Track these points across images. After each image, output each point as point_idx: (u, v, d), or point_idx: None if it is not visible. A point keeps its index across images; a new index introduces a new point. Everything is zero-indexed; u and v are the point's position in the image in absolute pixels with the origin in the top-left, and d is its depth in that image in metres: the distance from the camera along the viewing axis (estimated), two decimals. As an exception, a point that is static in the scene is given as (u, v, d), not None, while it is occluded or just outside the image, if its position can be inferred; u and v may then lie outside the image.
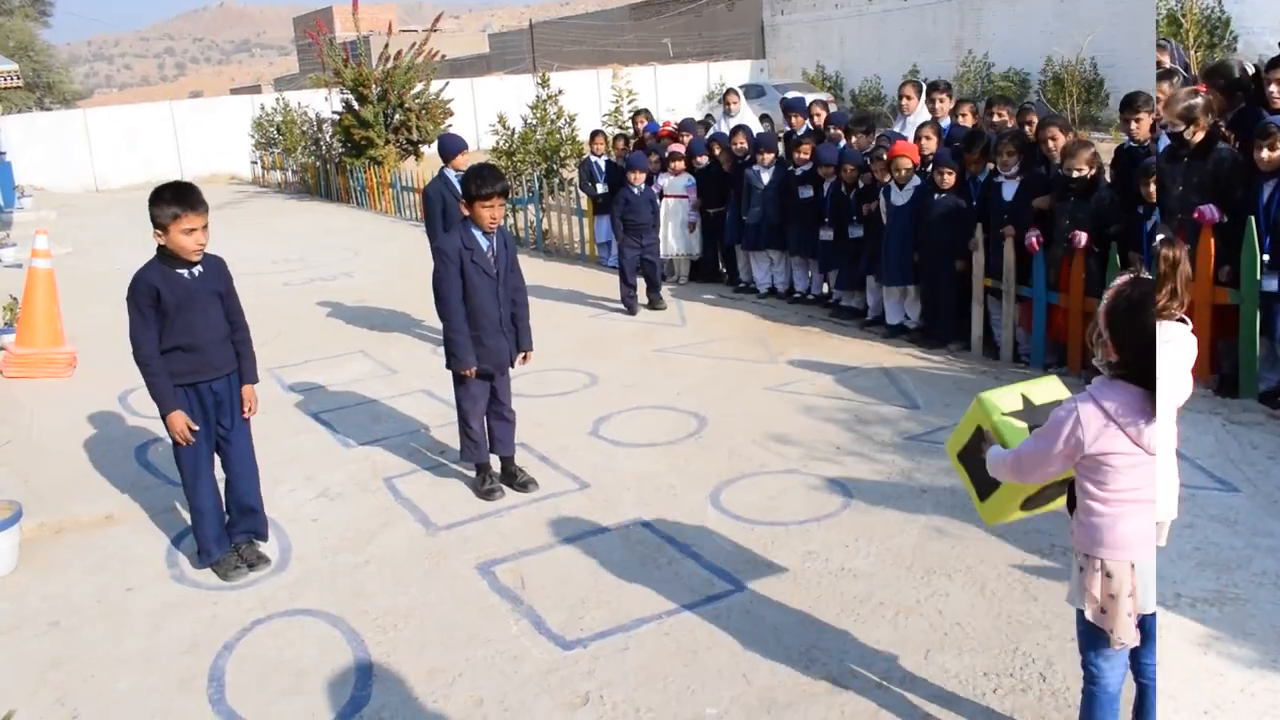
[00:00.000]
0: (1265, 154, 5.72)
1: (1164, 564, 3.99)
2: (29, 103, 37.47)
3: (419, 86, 20.62)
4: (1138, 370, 2.62)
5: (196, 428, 4.58)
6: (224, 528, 4.82)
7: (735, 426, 6.28)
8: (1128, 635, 2.74)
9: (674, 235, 10.49)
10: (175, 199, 4.37)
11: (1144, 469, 2.67)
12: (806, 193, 9.01)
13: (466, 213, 5.23)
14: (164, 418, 4.55)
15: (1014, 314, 7.34)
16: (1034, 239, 6.93)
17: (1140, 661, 2.95)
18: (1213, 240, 6.03)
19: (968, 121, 8.48)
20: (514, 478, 5.55)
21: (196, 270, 4.54)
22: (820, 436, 6.02)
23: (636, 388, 7.23)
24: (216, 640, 4.19)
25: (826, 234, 8.77)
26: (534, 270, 11.96)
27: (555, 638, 4.04)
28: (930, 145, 8.07)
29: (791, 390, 6.93)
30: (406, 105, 20.34)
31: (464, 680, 3.80)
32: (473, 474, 5.62)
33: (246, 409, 4.80)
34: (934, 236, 7.57)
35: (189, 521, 4.93)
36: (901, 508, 5.00)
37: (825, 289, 9.47)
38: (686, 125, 11.30)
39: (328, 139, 22.65)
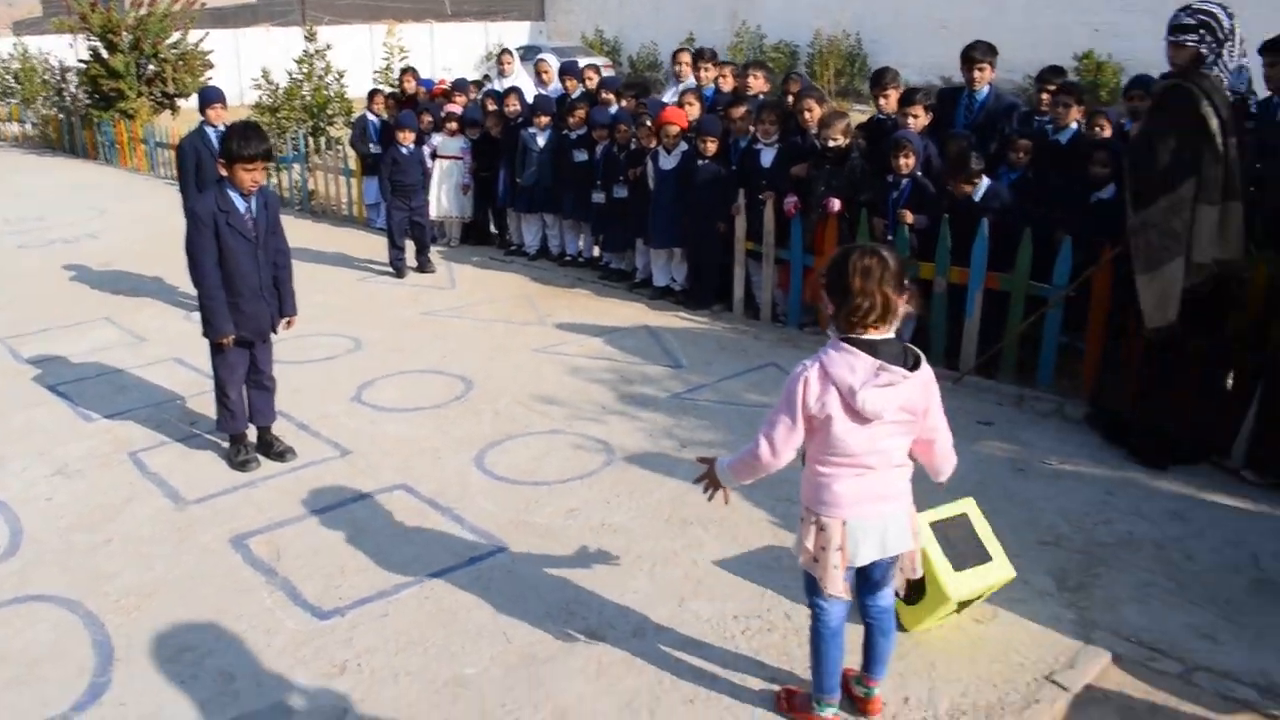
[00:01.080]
0: (901, 161, 6.61)
1: (787, 470, 3.34)
2: None
3: (175, 36, 19.32)
4: (852, 331, 2.77)
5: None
6: None
7: (501, 388, 6.28)
8: (833, 586, 2.94)
9: (447, 196, 10.31)
10: None
11: (860, 434, 2.81)
12: (581, 156, 9.03)
13: (224, 173, 4.96)
14: None
15: (773, 276, 7.65)
16: (791, 204, 7.22)
17: (864, 603, 3.15)
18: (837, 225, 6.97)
19: (728, 85, 8.72)
20: (270, 447, 5.36)
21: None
22: (585, 396, 6.11)
23: (402, 352, 7.10)
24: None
25: (598, 197, 8.83)
26: (299, 232, 11.51)
27: (311, 608, 3.95)
28: (693, 111, 8.24)
29: (558, 351, 6.98)
30: (161, 55, 19.01)
31: (214, 657, 3.66)
32: (227, 444, 5.39)
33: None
34: (699, 201, 7.76)
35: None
36: (661, 463, 5.15)
37: (596, 252, 9.57)
38: (459, 85, 11.10)
39: (73, 90, 20.91)
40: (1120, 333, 5.34)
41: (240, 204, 4.98)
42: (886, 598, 3.15)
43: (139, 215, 12.91)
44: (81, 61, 19.58)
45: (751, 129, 7.67)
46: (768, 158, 7.54)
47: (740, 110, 7.80)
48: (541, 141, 9.38)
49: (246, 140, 4.89)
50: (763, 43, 30.31)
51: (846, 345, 2.78)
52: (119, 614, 3.97)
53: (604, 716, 3.26)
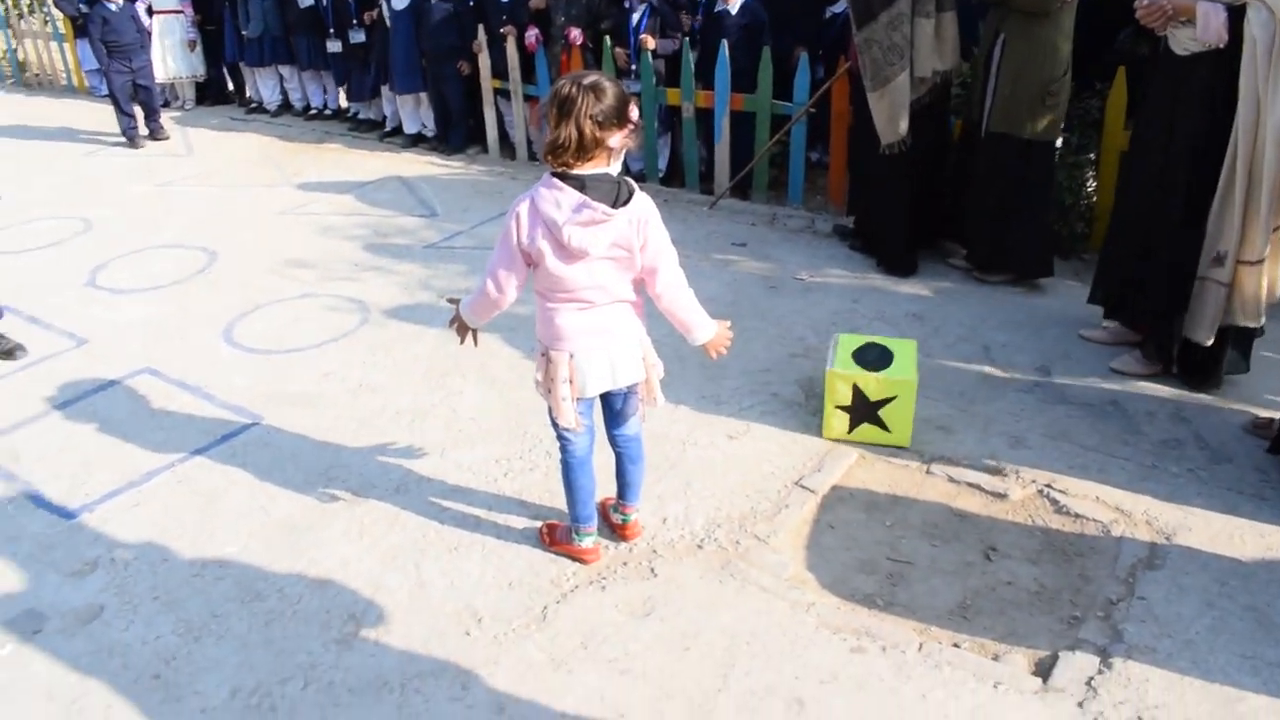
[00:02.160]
0: None
1: None
2: None
3: None
4: (558, 166, 2.76)
5: None
6: None
7: (247, 257, 6.03)
8: (565, 418, 3.02)
9: (172, 55, 9.59)
10: None
11: (575, 269, 2.82)
12: (306, 1, 8.51)
13: None
14: None
15: (524, 113, 7.52)
16: (533, 38, 7.06)
17: (611, 434, 3.25)
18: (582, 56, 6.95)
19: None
20: (-4, 346, 5.01)
21: None
22: (337, 256, 5.94)
23: (139, 228, 6.68)
24: None
25: (334, 45, 8.40)
26: (12, 108, 10.52)
27: (56, 509, 3.78)
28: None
29: (307, 211, 6.73)
30: None
31: (-48, 574, 3.49)
32: (-53, 349, 5.00)
33: None
34: (436, 41, 7.48)
35: None
36: (417, 317, 5.10)
37: (344, 102, 9.15)
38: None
39: None
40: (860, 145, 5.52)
41: None
42: (632, 427, 3.24)
43: None
44: None
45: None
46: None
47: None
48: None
49: None
50: None
51: (555, 180, 2.77)
52: None
53: (370, 575, 3.31)
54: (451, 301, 3.23)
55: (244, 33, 9.01)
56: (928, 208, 5.37)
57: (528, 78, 7.33)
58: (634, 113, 2.82)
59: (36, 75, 11.86)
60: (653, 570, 3.26)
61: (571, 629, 3.03)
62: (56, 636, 3.17)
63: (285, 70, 9.27)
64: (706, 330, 3.07)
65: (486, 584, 3.24)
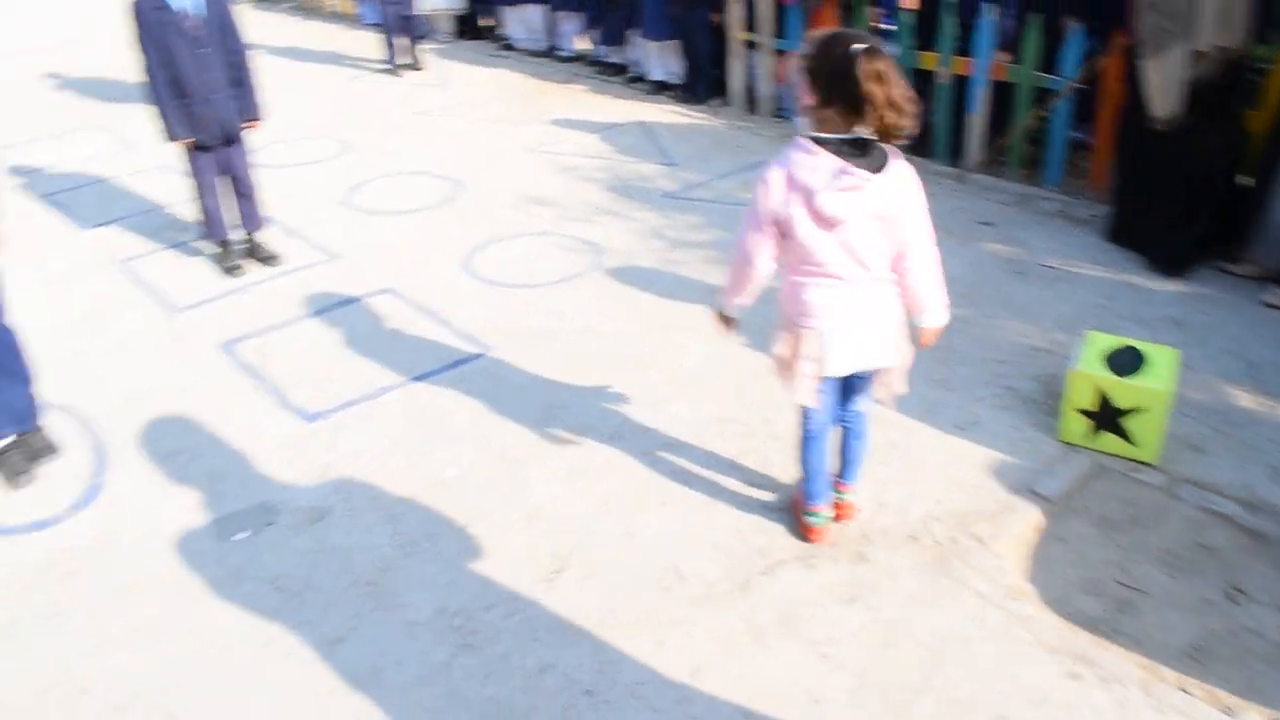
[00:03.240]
0: None
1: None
2: None
3: None
4: (831, 122, 2.62)
5: None
6: None
7: (493, 190, 6.19)
8: (801, 394, 2.91)
9: (432, -11, 9.92)
10: None
11: (827, 240, 2.69)
12: (566, -58, 8.62)
13: None
14: None
15: (772, 67, 7.38)
16: (788, -10, 6.89)
17: (841, 411, 3.12)
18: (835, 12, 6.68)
19: None
20: (257, 252, 5.34)
21: None
22: (577, 197, 6.01)
23: (393, 153, 6.97)
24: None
25: (591, -14, 8.47)
26: (291, 30, 11.18)
27: (298, 411, 4.02)
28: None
29: (551, 150, 6.84)
30: None
31: (203, 459, 3.75)
32: (216, 251, 5.37)
33: None
34: (692, -11, 7.42)
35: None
36: (650, 265, 5.10)
37: (589, 45, 9.25)
38: None
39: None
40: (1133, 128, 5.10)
41: (174, 2, 4.75)
42: (863, 404, 3.12)
43: (122, 19, 12.49)
44: None
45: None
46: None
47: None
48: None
49: None
50: None
51: (810, 144, 2.65)
52: (114, 418, 4.05)
53: (577, 517, 3.34)
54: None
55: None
56: (1208, 204, 4.91)
57: (778, 31, 7.18)
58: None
59: (311, 1, 12.53)
60: (863, 556, 3.15)
61: (773, 603, 2.97)
62: (286, 531, 3.36)
63: (537, 10, 9.44)
64: (940, 315, 2.90)
65: (692, 543, 3.21)
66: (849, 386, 3.07)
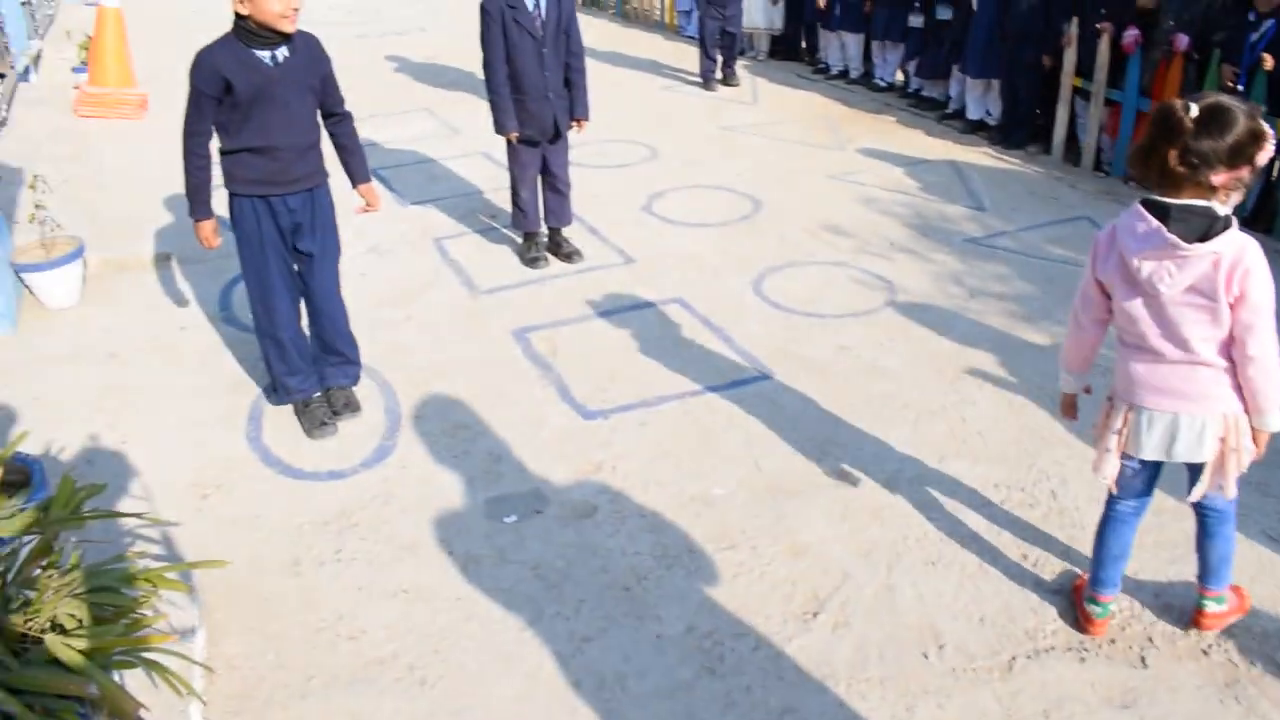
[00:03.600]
0: None
1: None
2: None
3: None
4: (1152, 194, 2.44)
5: (219, 241, 3.88)
6: (306, 363, 4.02)
7: (790, 213, 6.15)
8: (1103, 467, 2.70)
9: (756, 8, 9.99)
10: None
11: (1145, 311, 2.50)
12: (896, -30, 8.46)
13: None
14: (190, 217, 3.85)
15: (1101, 118, 6.96)
16: (1131, 39, 6.46)
17: (1190, 497, 2.82)
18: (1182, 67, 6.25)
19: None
20: (560, 248, 5.54)
21: (282, 53, 3.59)
22: (875, 230, 5.88)
23: (696, 165, 7.07)
24: (259, 382, 4.34)
25: (916, 20, 8.28)
26: (612, 36, 11.59)
27: (578, 406, 4.13)
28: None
29: (854, 180, 6.73)
30: None
31: (485, 439, 3.92)
32: (520, 240, 5.62)
33: (364, 207, 4.13)
34: (1020, 28, 7.09)
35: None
36: (944, 311, 4.91)
37: (902, 77, 9.05)
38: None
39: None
40: None
41: (529, 1, 4.98)
42: (1209, 497, 2.74)
43: (465, 10, 13.32)
44: None
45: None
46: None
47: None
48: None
49: None
50: None
51: (1139, 208, 2.47)
52: (410, 387, 4.31)
53: (840, 561, 3.25)
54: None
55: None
56: None
57: (1114, 81, 6.74)
58: (1264, 154, 2.39)
59: (635, 9, 12.95)
60: (1143, 659, 2.88)
61: (1037, 692, 2.76)
62: (553, 522, 3.45)
63: (856, 37, 9.32)
64: (1275, 418, 2.55)
65: (956, 610, 3.05)
66: (1190, 472, 2.76)
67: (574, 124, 5.35)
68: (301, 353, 4.00)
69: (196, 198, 3.76)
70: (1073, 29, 6.84)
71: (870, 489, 3.59)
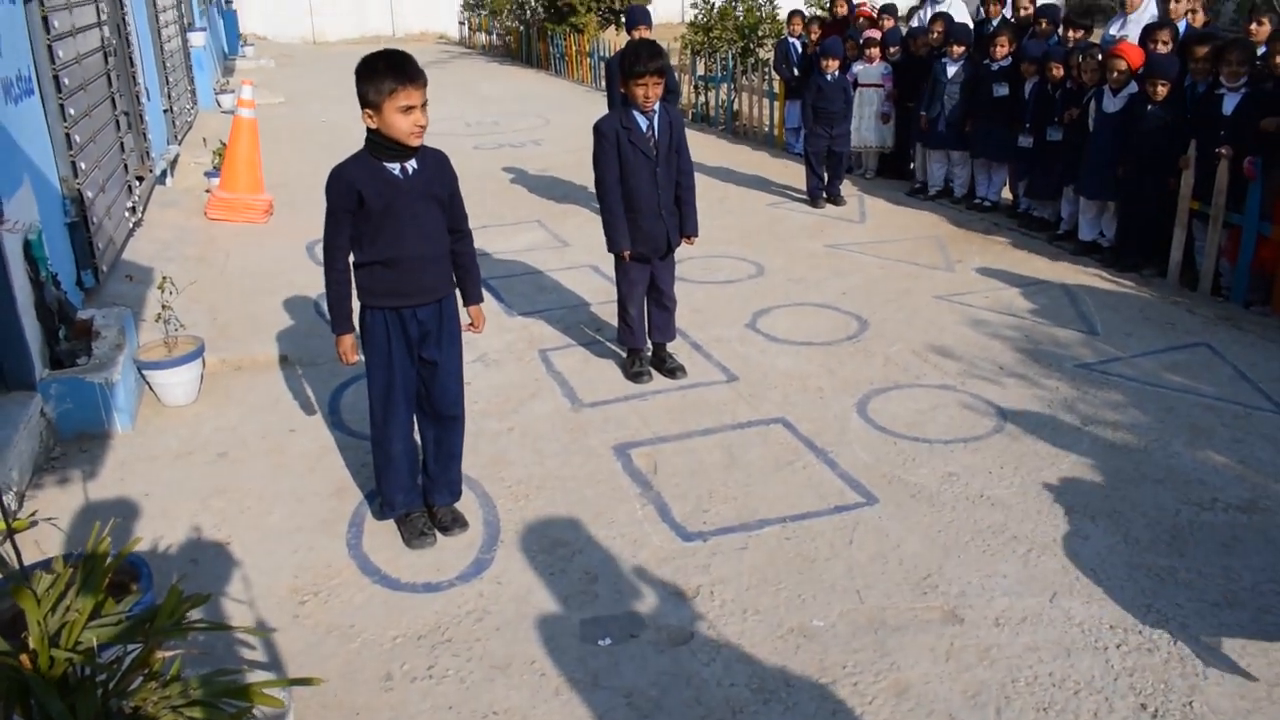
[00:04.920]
0: None
1: (1205, 472, 4.45)
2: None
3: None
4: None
5: (357, 359, 3.92)
6: (414, 479, 4.08)
7: (896, 333, 6.09)
8: None
9: (866, 126, 10.08)
10: (390, 69, 3.52)
11: None
12: (1001, 90, 8.46)
13: (623, 90, 5.10)
14: (333, 332, 3.93)
15: (1220, 242, 6.78)
16: (1249, 164, 6.32)
17: None
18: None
19: (1198, 22, 7.73)
20: (663, 363, 5.56)
21: (411, 166, 3.70)
22: (984, 354, 5.77)
23: (802, 283, 7.07)
24: (362, 487, 4.41)
25: (1026, 140, 8.23)
26: (720, 151, 11.80)
27: (677, 527, 4.08)
28: (1164, 49, 7.36)
29: (962, 301, 6.64)
30: (611, -27, 20.13)
31: (582, 556, 3.89)
32: (624, 354, 5.66)
33: (470, 325, 4.15)
34: (1142, 150, 7.00)
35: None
36: (1056, 440, 4.76)
37: (1007, 196, 8.98)
38: (889, 10, 10.69)
39: (533, 4, 22.69)
40: None
41: (642, 121, 5.09)
42: None
43: (577, 125, 13.75)
44: (540, -23, 21.17)
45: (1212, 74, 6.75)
46: (1229, 105, 6.62)
47: (1204, 49, 6.90)
48: (951, 72, 8.90)
49: (638, 57, 4.96)
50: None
51: None
52: (510, 500, 4.32)
53: (946, 703, 3.10)
54: None
55: (923, 114, 9.19)
56: None
57: (1233, 205, 6.58)
58: None
59: (744, 124, 13.18)
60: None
61: None
62: (648, 647, 3.38)
63: (955, 155, 9.31)
64: None
65: (1074, 763, 2.87)
66: None
67: (684, 240, 5.41)
68: (411, 467, 4.04)
69: (337, 312, 3.85)
70: (1191, 151, 6.73)
71: (977, 626, 3.44)
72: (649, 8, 8.46)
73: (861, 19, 10.60)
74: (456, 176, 3.92)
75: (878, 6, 10.94)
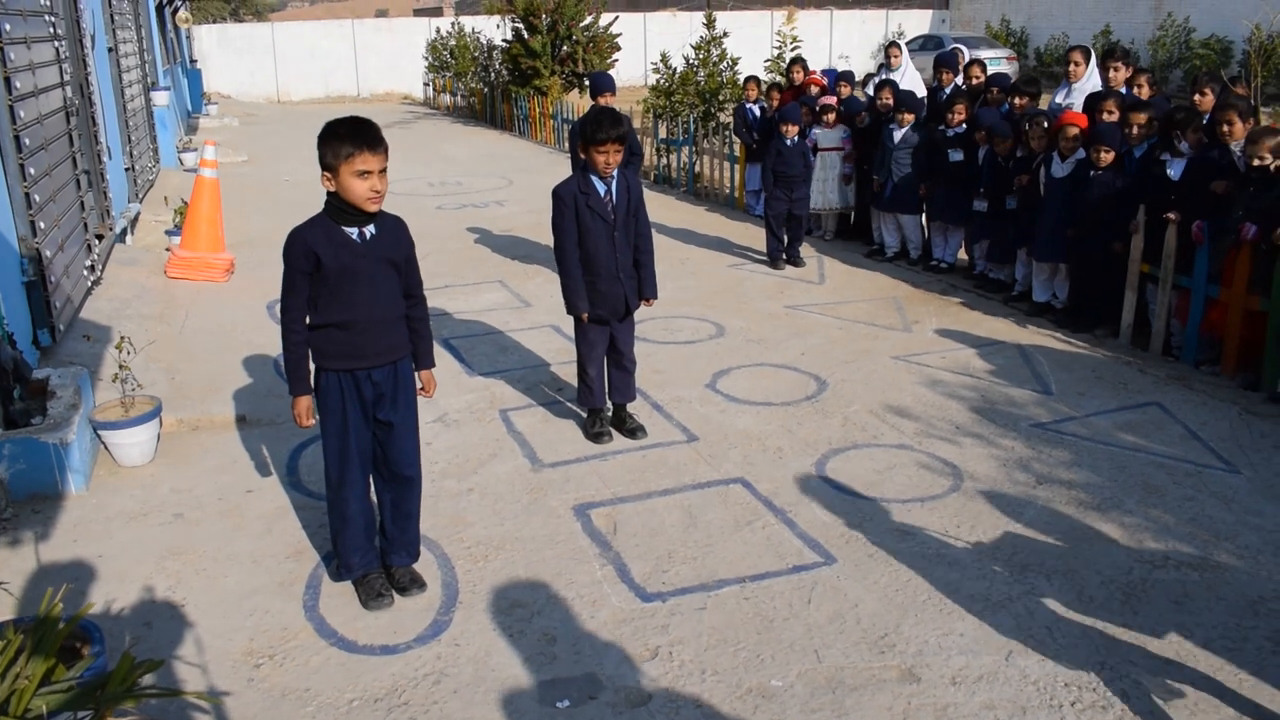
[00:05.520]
0: None
1: (1157, 530, 4.52)
2: (224, 14, 39.22)
3: (589, 19, 20.67)
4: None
5: (313, 421, 3.87)
6: (371, 540, 4.07)
7: (855, 394, 6.16)
8: None
9: (830, 189, 10.26)
10: (349, 135, 3.55)
11: None
12: (956, 156, 8.67)
13: (583, 155, 5.18)
14: (290, 393, 3.89)
15: (1169, 303, 6.94)
16: (1197, 229, 6.50)
17: None
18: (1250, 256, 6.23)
19: (1144, 94, 7.99)
20: (623, 423, 5.58)
21: (369, 231, 3.72)
22: (941, 413, 5.85)
23: (762, 344, 7.15)
24: (319, 549, 4.38)
25: (980, 205, 8.40)
26: (681, 214, 11.95)
27: (636, 588, 4.07)
28: (1111, 119, 7.59)
29: (919, 361, 6.74)
30: (575, 37, 20.43)
31: (541, 617, 3.88)
32: (585, 414, 5.68)
33: (423, 391, 4.11)
34: (1091, 214, 7.18)
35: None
36: (1011, 498, 4.82)
37: (963, 257, 9.16)
38: (846, 77, 10.93)
39: (497, 66, 22.98)
40: None
41: (600, 186, 5.17)
42: None
43: (540, 186, 13.85)
44: (505, 41, 21.50)
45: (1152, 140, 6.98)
46: (1176, 170, 6.83)
47: (1143, 116, 7.14)
48: (898, 137, 9.12)
49: (599, 125, 5.04)
50: (1189, 36, 27.64)
51: None
52: (469, 560, 4.31)
53: (906, 762, 3.11)
54: None
55: (874, 177, 9.39)
56: None
57: (1182, 267, 6.75)
58: None
59: (705, 187, 13.36)
60: None
61: None
62: (606, 709, 3.37)
63: (905, 219, 9.50)
64: None
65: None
66: None
67: (643, 302, 5.47)
68: (368, 528, 4.02)
69: (294, 374, 3.84)
70: (1140, 216, 6.91)
71: (934, 685, 3.46)
72: (612, 74, 8.56)
73: (813, 87, 10.83)
74: (413, 242, 3.95)
75: (834, 74, 11.17)
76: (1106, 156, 7.10)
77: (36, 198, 6.23)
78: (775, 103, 11.07)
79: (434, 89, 29.05)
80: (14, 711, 2.11)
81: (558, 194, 5.24)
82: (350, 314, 3.73)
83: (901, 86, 9.76)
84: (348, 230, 3.69)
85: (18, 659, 2.26)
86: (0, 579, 3.99)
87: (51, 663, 2.26)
